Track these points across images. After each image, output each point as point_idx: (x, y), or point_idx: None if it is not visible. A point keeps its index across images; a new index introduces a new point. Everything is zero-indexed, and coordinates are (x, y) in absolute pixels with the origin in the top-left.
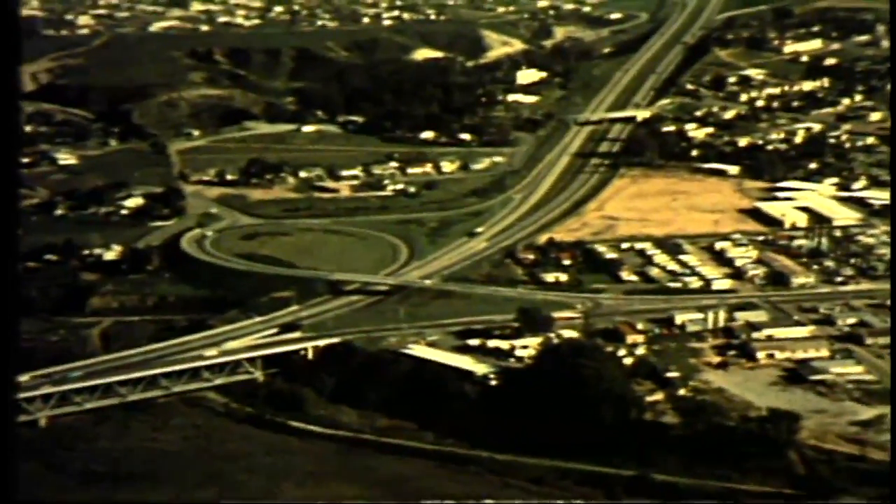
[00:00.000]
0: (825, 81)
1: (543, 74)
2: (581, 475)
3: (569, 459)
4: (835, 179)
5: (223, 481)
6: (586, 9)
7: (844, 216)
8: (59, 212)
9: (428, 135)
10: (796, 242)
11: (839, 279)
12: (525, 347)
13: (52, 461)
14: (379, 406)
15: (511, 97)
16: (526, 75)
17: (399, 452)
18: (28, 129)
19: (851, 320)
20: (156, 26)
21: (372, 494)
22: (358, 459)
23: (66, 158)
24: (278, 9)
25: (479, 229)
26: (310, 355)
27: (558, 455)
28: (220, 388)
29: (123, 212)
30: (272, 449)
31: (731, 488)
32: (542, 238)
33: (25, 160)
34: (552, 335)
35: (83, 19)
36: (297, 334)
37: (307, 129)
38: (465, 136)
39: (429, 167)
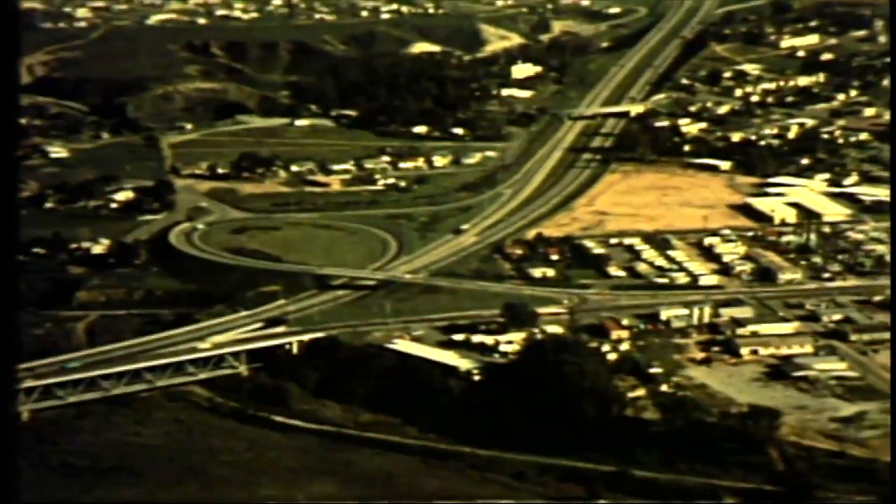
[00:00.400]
0: (821, 77)
1: (539, 69)
2: (562, 471)
3: (550, 455)
4: (826, 175)
5: (202, 476)
6: (585, 3)
7: (834, 212)
8: (48, 205)
9: (421, 129)
10: (785, 238)
11: (826, 275)
12: (510, 343)
13: (31, 455)
14: (363, 401)
15: (505, 92)
16: (521, 70)
17: (381, 447)
18: (23, 121)
19: (837, 317)
20: (153, 19)
21: (351, 489)
22: (339, 454)
23: (57, 152)
24: (277, 2)
25: (465, 226)
26: (295, 350)
27: (540, 451)
28: (205, 383)
29: (113, 205)
30: (254, 444)
31: (710, 484)
32: (531, 233)
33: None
34: (536, 330)
35: (81, 12)
36: (281, 329)
37: (300, 123)
38: (458, 131)
39: (421, 161)
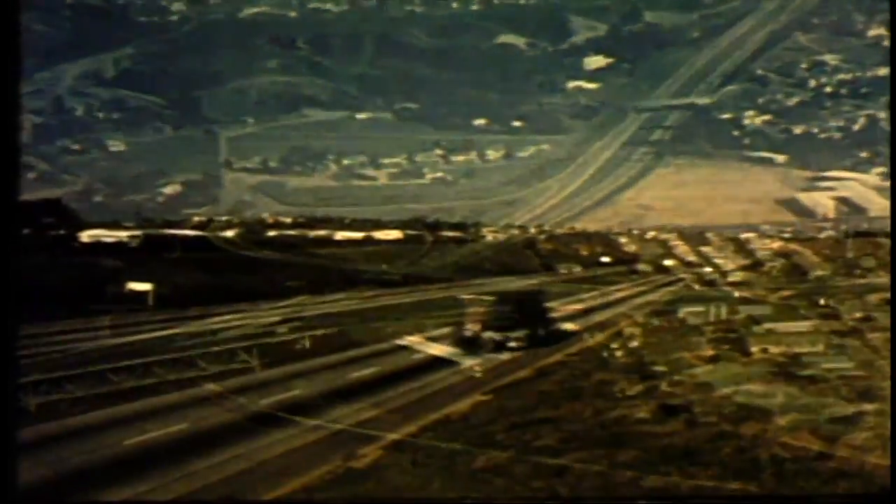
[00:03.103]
0: None
1: (611, 60)
2: (549, 469)
3: (539, 454)
4: (882, 168)
5: (195, 474)
6: None
7: (881, 206)
8: (97, 199)
9: (480, 122)
10: (824, 233)
11: (857, 271)
12: (518, 339)
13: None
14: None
15: (573, 84)
16: (592, 61)
17: (373, 444)
18: (100, 115)
19: (858, 314)
20: (245, 12)
21: (337, 487)
22: (331, 452)
23: (115, 145)
24: None
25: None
26: (307, 345)
27: (529, 450)
28: (215, 377)
29: (160, 199)
30: (253, 440)
31: (695, 485)
32: (565, 228)
33: (75, 147)
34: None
35: (176, 5)
36: (298, 323)
37: (361, 116)
38: (517, 124)
39: (473, 155)
